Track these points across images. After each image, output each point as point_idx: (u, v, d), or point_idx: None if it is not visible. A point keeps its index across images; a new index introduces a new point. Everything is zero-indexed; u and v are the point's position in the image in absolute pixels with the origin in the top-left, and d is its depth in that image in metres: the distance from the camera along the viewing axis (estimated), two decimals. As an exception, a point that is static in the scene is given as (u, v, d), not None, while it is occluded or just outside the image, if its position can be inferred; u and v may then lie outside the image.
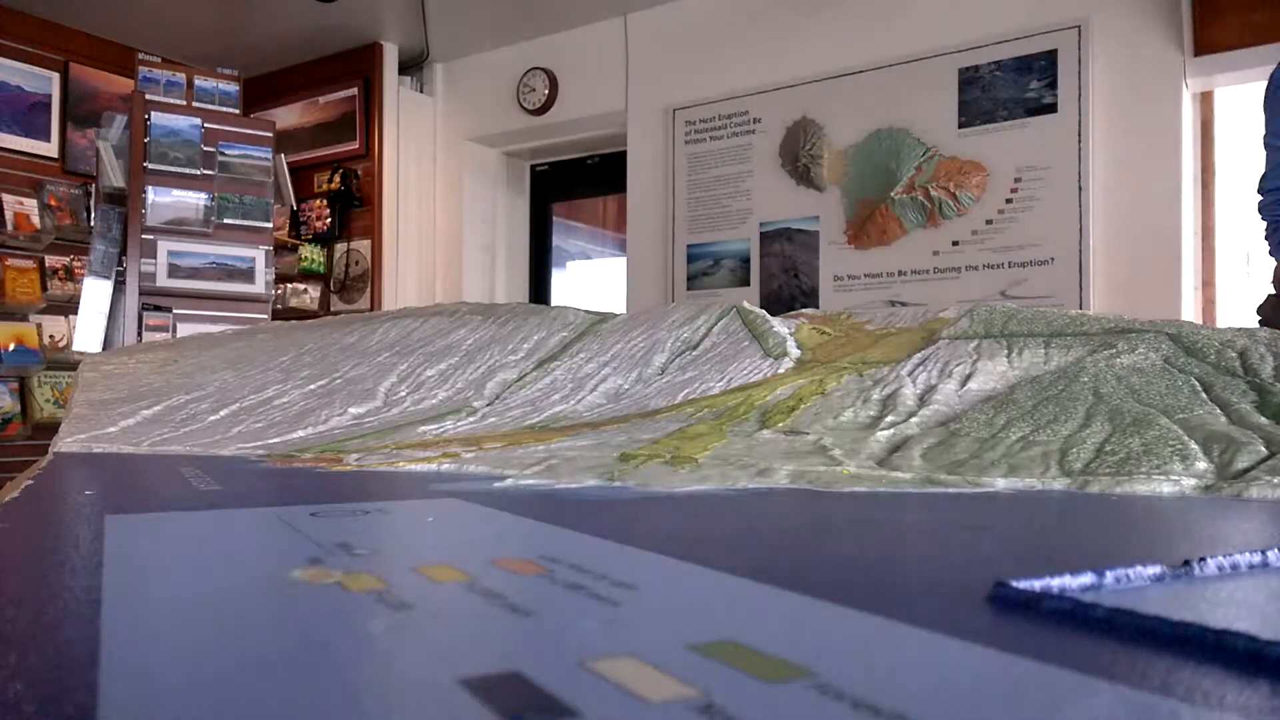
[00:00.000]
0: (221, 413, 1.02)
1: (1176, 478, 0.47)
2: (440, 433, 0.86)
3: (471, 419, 0.93)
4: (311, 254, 4.76)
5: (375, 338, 1.32)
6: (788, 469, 0.52)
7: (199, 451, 0.81)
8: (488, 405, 0.99)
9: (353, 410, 1.00)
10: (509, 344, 1.19)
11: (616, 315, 1.25)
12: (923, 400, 0.72)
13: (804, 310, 1.40)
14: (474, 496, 0.44)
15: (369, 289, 4.52)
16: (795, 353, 0.95)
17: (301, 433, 0.91)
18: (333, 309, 4.76)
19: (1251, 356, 0.71)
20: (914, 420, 0.67)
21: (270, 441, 0.87)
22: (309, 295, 4.86)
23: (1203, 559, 0.25)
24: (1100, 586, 0.23)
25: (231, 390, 1.13)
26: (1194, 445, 0.52)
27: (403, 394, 1.06)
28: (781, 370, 0.89)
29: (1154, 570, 0.24)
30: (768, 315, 1.09)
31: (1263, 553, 0.26)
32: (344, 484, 0.51)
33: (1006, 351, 0.81)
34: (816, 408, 0.72)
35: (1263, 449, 0.51)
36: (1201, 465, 0.49)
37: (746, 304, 1.12)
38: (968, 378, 0.77)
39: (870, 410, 0.71)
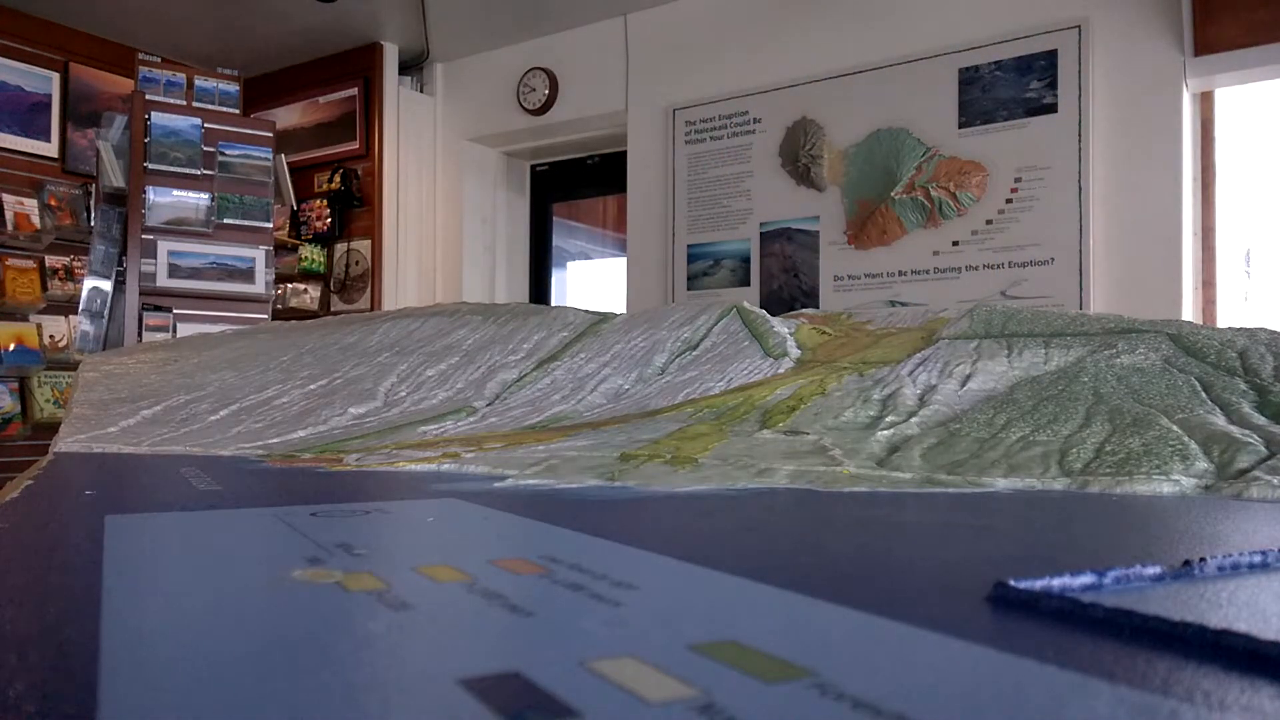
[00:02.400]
0: (221, 413, 1.02)
1: (1177, 478, 0.47)
2: (440, 433, 0.86)
3: (472, 419, 0.93)
4: (311, 254, 4.76)
5: (375, 338, 1.32)
6: (788, 469, 0.52)
7: (199, 451, 0.81)
8: (488, 405, 0.99)
9: (353, 410, 1.00)
10: (509, 344, 1.19)
11: (617, 315, 1.25)
12: (923, 400, 0.72)
13: (804, 310, 1.40)
14: (474, 496, 0.44)
15: (369, 289, 4.51)
16: (795, 353, 0.95)
17: (301, 433, 0.91)
18: (333, 309, 4.75)
19: (1251, 356, 0.71)
20: (914, 420, 0.67)
21: (270, 441, 0.87)
22: (309, 295, 4.86)
23: (1203, 559, 0.25)
24: (1100, 586, 0.23)
25: (231, 390, 1.13)
26: (1194, 445, 0.52)
27: (403, 394, 1.06)
28: (782, 370, 0.89)
29: (1154, 570, 0.24)
30: (768, 315, 1.09)
31: (1263, 553, 0.26)
32: (344, 484, 0.51)
33: (1006, 352, 0.81)
34: (817, 408, 0.72)
35: (1263, 449, 0.51)
36: (1202, 465, 0.49)
37: (747, 304, 1.12)
38: (968, 378, 0.77)
39: (870, 410, 0.71)
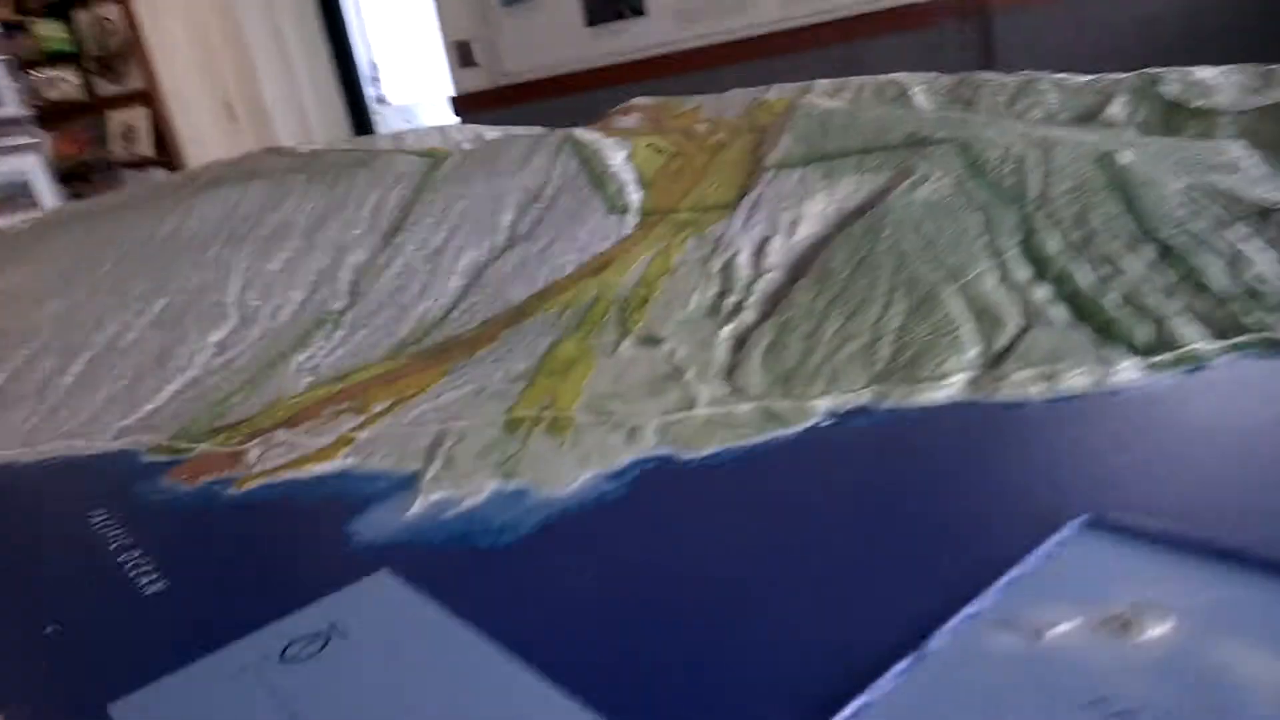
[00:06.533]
0: (74, 369, 0.99)
1: (951, 380, 0.58)
2: (314, 366, 0.88)
3: (339, 332, 0.94)
4: (50, 31, 4.02)
5: (195, 222, 1.24)
6: (652, 426, 0.60)
7: (83, 448, 0.82)
8: (348, 305, 1.00)
9: (211, 339, 0.99)
10: (345, 212, 1.15)
11: (446, 157, 1.20)
12: (757, 266, 0.80)
13: (634, 102, 1.38)
14: (408, 560, 0.51)
15: (137, 66, 3.91)
16: (636, 200, 0.98)
17: (172, 386, 0.92)
18: (101, 94, 4.13)
19: (1028, 165, 0.80)
20: (752, 299, 0.75)
21: (147, 410, 0.87)
22: (68, 83, 4.19)
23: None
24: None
25: (69, 330, 1.08)
26: (966, 328, 0.63)
27: (255, 302, 1.05)
28: (627, 230, 0.93)
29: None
30: (602, 145, 1.09)
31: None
32: (277, 544, 0.57)
33: (826, 183, 0.87)
34: (666, 295, 0.78)
35: (1019, 321, 0.62)
36: (972, 353, 0.61)
37: (579, 134, 1.10)
38: (794, 225, 0.84)
39: (713, 288, 0.79)
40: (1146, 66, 1.01)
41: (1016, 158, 0.81)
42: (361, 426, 0.71)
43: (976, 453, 0.51)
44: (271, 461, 0.69)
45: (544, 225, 1.00)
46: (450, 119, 3.59)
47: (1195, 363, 0.55)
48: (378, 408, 0.74)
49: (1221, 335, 0.57)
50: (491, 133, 1.52)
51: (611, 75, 3.18)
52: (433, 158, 1.21)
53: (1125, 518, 0.41)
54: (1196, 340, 0.57)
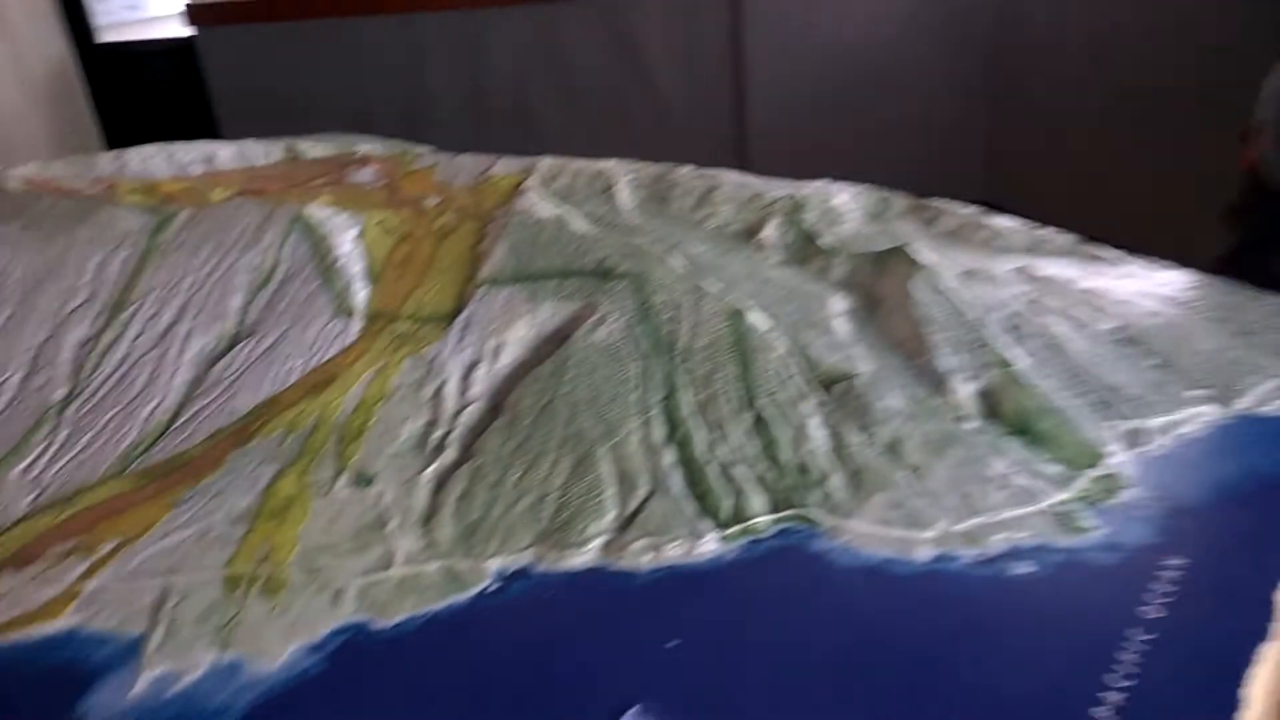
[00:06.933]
0: None
1: (589, 547, 0.77)
2: (37, 478, 0.91)
3: (62, 433, 0.97)
4: None
5: (-114, 273, 1.15)
6: (354, 588, 0.74)
7: None
8: (70, 393, 1.02)
9: (-76, 426, 0.98)
10: (65, 277, 1.13)
11: (173, 215, 1.20)
12: (463, 394, 0.94)
13: (369, 151, 1.41)
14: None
15: None
16: (362, 300, 1.06)
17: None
18: None
19: (683, 312, 0.99)
20: (454, 434, 0.90)
21: None
22: None
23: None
24: None
25: None
26: (609, 491, 0.81)
27: (-33, 384, 1.03)
28: (351, 337, 1.02)
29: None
30: (333, 226, 1.14)
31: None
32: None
33: (529, 305, 1.01)
34: (381, 425, 0.90)
35: (644, 489, 0.81)
36: (609, 518, 0.79)
37: (311, 212, 1.15)
38: (498, 350, 0.98)
39: (423, 417, 0.92)
40: None
41: (675, 304, 0.99)
42: (89, 573, 0.79)
43: (582, 630, 0.69)
44: (9, 603, 0.75)
45: (273, 317, 1.06)
46: (184, 30, 3.27)
47: (755, 535, 0.77)
48: (104, 549, 0.81)
49: (776, 509, 0.79)
50: (224, 151, 1.50)
51: (362, 5, 3.06)
52: (158, 214, 1.20)
53: (661, 708, 0.61)
54: (760, 513, 0.79)
